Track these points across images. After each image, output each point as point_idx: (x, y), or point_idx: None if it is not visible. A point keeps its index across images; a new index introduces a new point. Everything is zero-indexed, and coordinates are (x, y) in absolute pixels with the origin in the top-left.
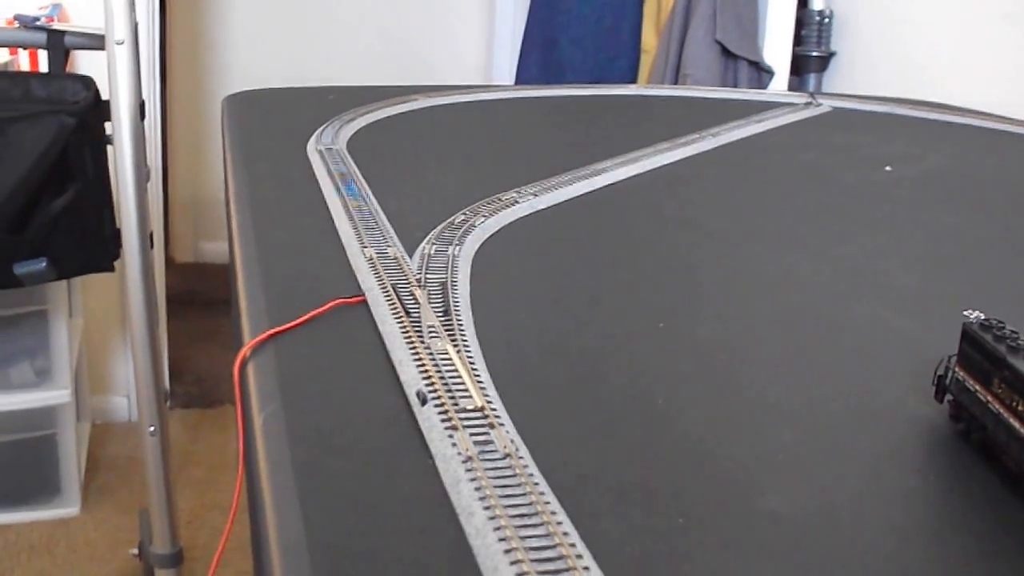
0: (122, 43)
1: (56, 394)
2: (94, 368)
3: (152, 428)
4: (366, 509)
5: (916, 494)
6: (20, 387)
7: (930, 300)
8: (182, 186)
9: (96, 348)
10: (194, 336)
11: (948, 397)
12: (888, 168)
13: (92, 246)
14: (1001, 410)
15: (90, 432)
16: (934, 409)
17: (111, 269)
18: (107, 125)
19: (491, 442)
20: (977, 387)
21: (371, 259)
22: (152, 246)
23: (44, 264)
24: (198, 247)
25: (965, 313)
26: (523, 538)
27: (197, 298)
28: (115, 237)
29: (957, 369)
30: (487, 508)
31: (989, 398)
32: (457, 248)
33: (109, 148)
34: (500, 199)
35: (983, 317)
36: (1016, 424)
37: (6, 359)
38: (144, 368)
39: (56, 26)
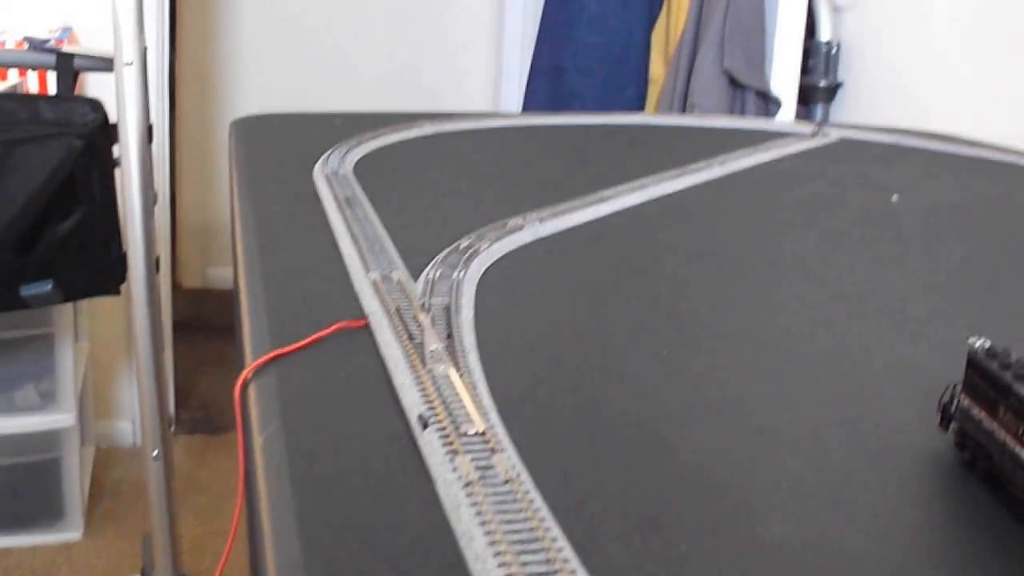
0: (131, 65)
1: (60, 417)
2: (99, 392)
3: (156, 453)
4: (365, 533)
5: (920, 523)
6: (24, 410)
7: (936, 328)
8: (190, 211)
9: (101, 372)
10: (201, 361)
11: (953, 425)
12: (894, 198)
13: (98, 269)
14: (1007, 438)
15: (94, 456)
16: (939, 437)
17: (117, 292)
18: (115, 148)
19: (492, 467)
20: (983, 415)
21: (375, 283)
22: (158, 270)
23: (50, 286)
24: (206, 272)
25: (970, 340)
26: (523, 564)
27: (204, 323)
28: (121, 260)
29: (962, 397)
30: (487, 533)
31: (995, 426)
32: (462, 273)
33: (117, 171)
34: (505, 225)
35: (989, 344)
36: (1022, 452)
37: (11, 382)
38: (148, 393)
39: (65, 48)
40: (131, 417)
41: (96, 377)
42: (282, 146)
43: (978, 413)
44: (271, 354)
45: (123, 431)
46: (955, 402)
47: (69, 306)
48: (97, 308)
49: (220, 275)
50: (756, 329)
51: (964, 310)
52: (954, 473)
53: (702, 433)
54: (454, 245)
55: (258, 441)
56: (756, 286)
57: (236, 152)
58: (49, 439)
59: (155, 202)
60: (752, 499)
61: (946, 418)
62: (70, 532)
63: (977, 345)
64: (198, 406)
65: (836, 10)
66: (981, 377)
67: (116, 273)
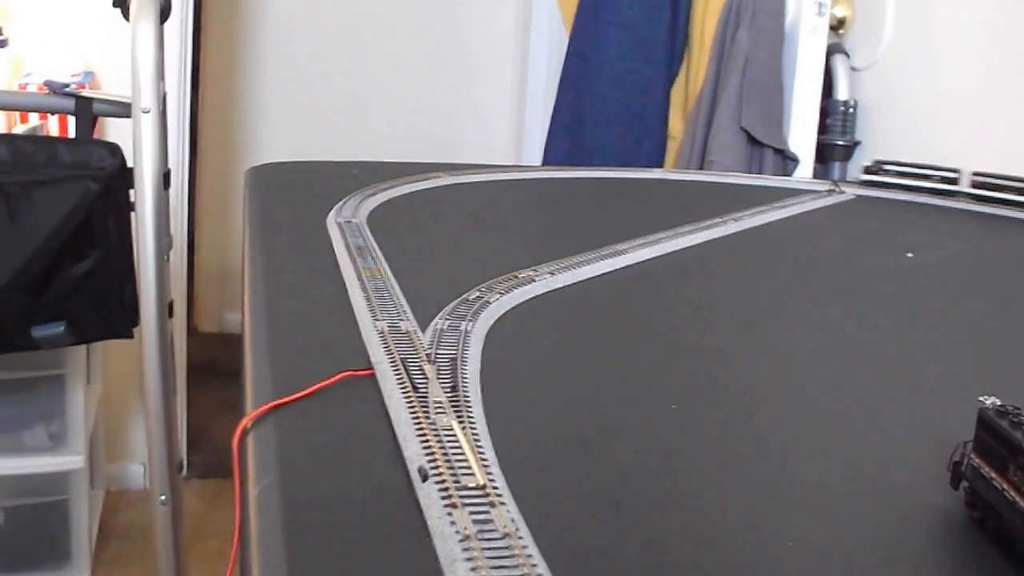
0: (148, 111)
1: (70, 459)
2: (111, 435)
3: (163, 497)
4: None
5: None
6: (34, 451)
7: (948, 385)
8: (209, 256)
9: (113, 415)
10: (215, 406)
11: (964, 484)
12: (910, 255)
13: (111, 312)
14: (1017, 498)
15: (104, 500)
16: (949, 496)
17: (130, 336)
18: (132, 192)
19: (491, 521)
20: (993, 474)
21: (382, 332)
22: (171, 315)
23: (62, 328)
24: (223, 317)
25: (981, 399)
26: None
27: (220, 368)
28: (135, 304)
29: (973, 456)
30: None
31: (1005, 485)
32: (470, 324)
33: (133, 215)
34: (516, 277)
35: (999, 403)
36: None
37: (21, 422)
38: (157, 436)
39: (85, 93)
40: (142, 460)
41: (108, 420)
42: (297, 194)
43: (988, 472)
44: (271, 404)
45: (134, 474)
46: (965, 461)
47: (82, 348)
48: (110, 351)
49: (237, 320)
50: (767, 384)
51: (976, 368)
52: (964, 532)
53: (709, 489)
54: (463, 296)
55: (253, 492)
56: (768, 342)
57: (251, 199)
58: (58, 481)
59: (170, 247)
60: (758, 558)
61: (957, 477)
62: (76, 575)
63: (987, 404)
64: (211, 450)
65: (854, 69)
66: (991, 436)
67: (129, 316)
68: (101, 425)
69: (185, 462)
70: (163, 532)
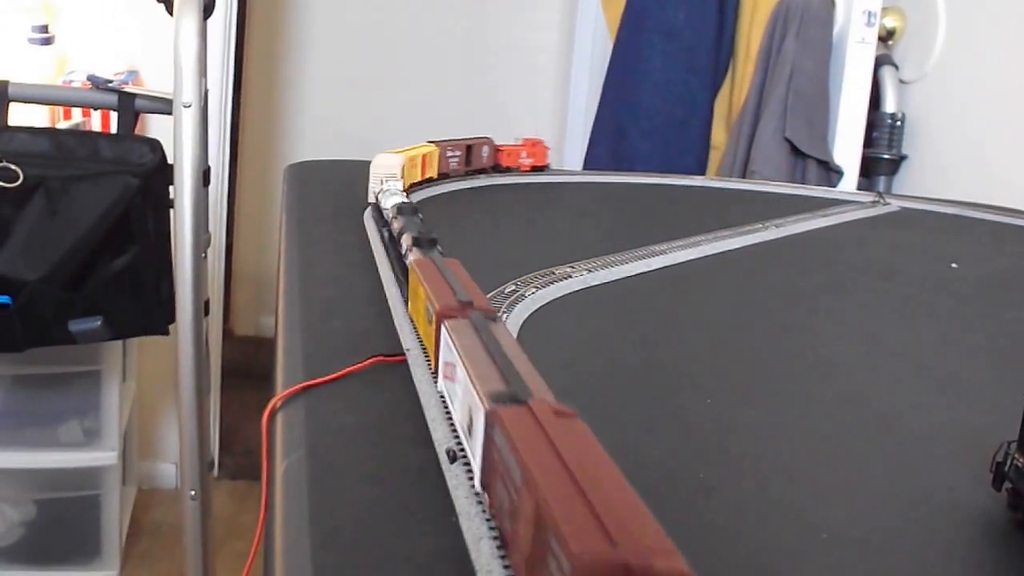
0: (189, 106)
1: (103, 455)
2: (144, 433)
3: (193, 492)
4: (380, 562)
5: None
6: (67, 446)
7: (990, 390)
8: (246, 259)
9: (148, 413)
10: (248, 409)
11: (1007, 485)
12: (954, 265)
13: (148, 308)
14: None
15: (136, 497)
16: (992, 498)
17: (166, 333)
18: (171, 189)
19: None
20: None
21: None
22: (207, 313)
23: (99, 323)
24: (259, 321)
25: None
26: None
27: (255, 372)
28: (172, 301)
29: (1017, 455)
30: (507, 567)
31: None
32: (504, 315)
33: (172, 212)
34: (554, 272)
35: None
36: None
37: (55, 416)
38: (189, 432)
39: (128, 89)
40: (174, 460)
41: (142, 418)
42: (334, 190)
43: None
44: (302, 384)
45: (166, 473)
46: (1009, 460)
47: (118, 345)
48: (146, 349)
49: (272, 324)
50: (803, 385)
51: (1016, 374)
52: (1006, 534)
53: (741, 483)
54: (499, 288)
55: (280, 467)
56: (806, 344)
57: (288, 195)
58: (91, 476)
59: (207, 245)
60: (791, 555)
61: (999, 477)
62: (106, 570)
63: None
64: (242, 452)
65: (902, 82)
66: None
67: (165, 313)
68: (135, 423)
69: (216, 463)
70: (192, 528)
